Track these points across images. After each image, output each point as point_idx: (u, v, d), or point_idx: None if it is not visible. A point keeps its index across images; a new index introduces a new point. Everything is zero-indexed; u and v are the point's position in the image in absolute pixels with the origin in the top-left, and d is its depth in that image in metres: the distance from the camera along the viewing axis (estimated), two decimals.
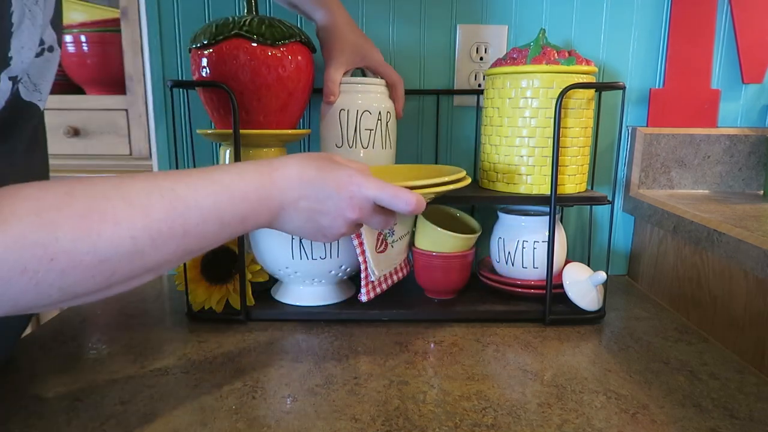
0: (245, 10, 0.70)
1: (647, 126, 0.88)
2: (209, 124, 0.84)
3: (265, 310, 0.72)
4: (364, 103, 0.73)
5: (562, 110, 0.67)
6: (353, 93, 0.73)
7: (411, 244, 0.75)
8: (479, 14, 0.84)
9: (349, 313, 0.71)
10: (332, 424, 0.48)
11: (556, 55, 0.69)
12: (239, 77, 0.67)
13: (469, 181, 0.63)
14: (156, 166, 0.88)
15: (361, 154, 0.74)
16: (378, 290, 0.70)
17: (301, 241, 0.68)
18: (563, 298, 0.71)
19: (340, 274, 0.72)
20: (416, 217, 0.73)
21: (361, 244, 0.65)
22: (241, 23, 0.66)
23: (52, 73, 0.51)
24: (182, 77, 0.84)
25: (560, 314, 0.71)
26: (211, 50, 0.67)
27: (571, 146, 0.69)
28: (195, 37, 0.69)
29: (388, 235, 0.69)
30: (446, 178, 0.59)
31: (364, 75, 0.78)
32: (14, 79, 0.43)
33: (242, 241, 0.68)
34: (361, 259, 0.66)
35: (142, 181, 0.40)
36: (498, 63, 0.73)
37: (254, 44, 0.66)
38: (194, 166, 0.53)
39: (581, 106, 0.69)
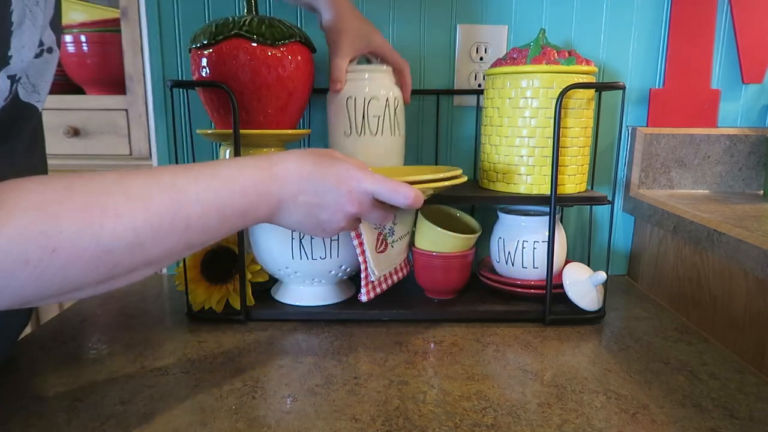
0: (245, 10, 0.71)
1: (647, 126, 0.88)
2: (209, 124, 0.84)
3: (265, 310, 0.72)
4: (371, 90, 0.73)
5: (562, 110, 0.67)
6: (360, 80, 0.73)
7: (411, 244, 0.75)
8: (479, 14, 0.84)
9: (349, 313, 0.71)
10: (332, 424, 0.48)
11: (556, 55, 0.69)
12: (239, 77, 0.67)
13: (465, 179, 0.64)
14: (156, 166, 0.88)
15: (370, 141, 0.73)
16: (378, 290, 0.70)
17: (301, 241, 0.68)
18: (563, 298, 0.71)
19: (340, 274, 0.72)
20: (416, 217, 0.74)
21: (361, 244, 0.65)
22: (241, 23, 0.66)
23: (51, 74, 0.51)
24: (182, 77, 0.84)
25: (560, 314, 0.71)
26: (211, 50, 0.67)
27: (571, 146, 0.69)
28: (195, 37, 0.69)
29: (388, 235, 0.69)
30: (441, 175, 0.60)
31: (369, 63, 0.78)
32: (13, 78, 0.44)
33: (242, 240, 0.68)
34: (361, 259, 0.66)
35: (142, 176, 0.40)
36: (498, 63, 0.73)
37: (254, 44, 0.66)
38: None
39: (581, 106, 0.69)
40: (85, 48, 1.16)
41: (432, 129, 0.87)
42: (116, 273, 0.38)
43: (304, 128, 0.83)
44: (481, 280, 0.79)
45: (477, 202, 0.83)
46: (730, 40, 0.86)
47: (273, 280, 0.77)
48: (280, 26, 0.68)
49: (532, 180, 0.71)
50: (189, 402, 0.52)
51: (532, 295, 0.74)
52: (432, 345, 0.65)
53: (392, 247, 0.70)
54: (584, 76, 0.68)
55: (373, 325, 0.70)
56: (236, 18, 0.67)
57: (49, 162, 0.61)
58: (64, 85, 1.22)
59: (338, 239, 0.68)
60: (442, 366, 0.59)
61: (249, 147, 0.71)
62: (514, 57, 0.71)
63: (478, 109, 0.86)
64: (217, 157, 0.87)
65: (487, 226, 0.79)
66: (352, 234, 0.64)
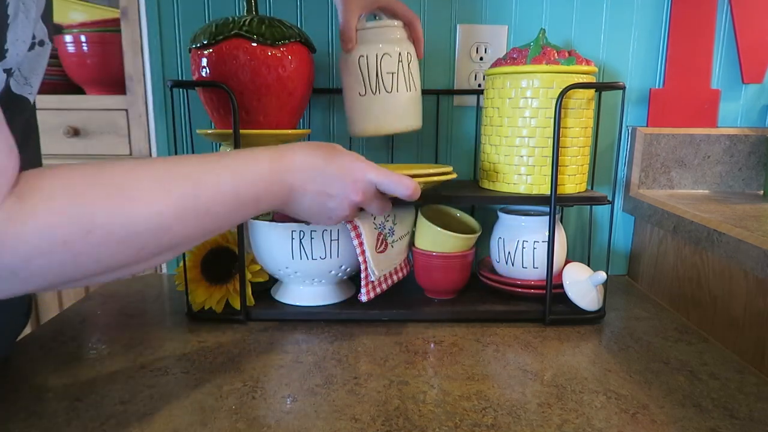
0: (245, 10, 0.70)
1: (647, 126, 0.88)
2: (209, 124, 0.84)
3: (265, 310, 0.72)
4: (384, 46, 0.71)
5: (562, 110, 0.67)
6: (370, 38, 0.71)
7: (411, 244, 0.75)
8: (479, 14, 0.84)
9: (349, 313, 0.71)
10: (332, 424, 0.48)
11: (556, 55, 0.69)
12: (239, 77, 0.67)
13: (455, 175, 0.67)
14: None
15: (386, 99, 0.72)
16: (378, 290, 0.70)
17: (301, 241, 0.68)
18: (563, 298, 0.71)
19: (340, 274, 0.72)
20: (416, 217, 0.74)
21: (361, 244, 0.65)
22: (241, 23, 0.66)
23: (43, 67, 0.52)
24: (182, 77, 0.84)
25: (560, 314, 0.71)
26: (211, 50, 0.67)
27: (571, 146, 0.69)
28: (195, 37, 0.69)
29: (388, 235, 0.69)
30: (433, 170, 0.64)
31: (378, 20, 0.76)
32: (8, 72, 0.44)
33: (242, 240, 0.68)
34: (361, 259, 0.66)
35: (162, 163, 0.43)
36: (498, 63, 0.73)
37: (254, 44, 0.66)
38: None
39: (581, 106, 0.69)
40: (85, 48, 1.16)
41: (432, 129, 0.87)
42: (142, 256, 0.41)
43: (304, 128, 0.83)
44: (481, 280, 0.79)
45: (477, 202, 0.83)
46: (730, 40, 0.86)
47: (273, 280, 0.76)
48: (280, 26, 0.68)
49: (532, 180, 0.71)
50: (189, 402, 0.52)
51: (532, 295, 0.74)
52: (432, 345, 0.65)
53: (392, 247, 0.70)
54: (584, 76, 0.68)
55: (373, 325, 0.70)
56: (236, 18, 0.67)
57: (49, 162, 0.60)
58: (64, 85, 1.22)
59: (338, 239, 0.68)
60: (442, 366, 0.59)
61: (249, 147, 0.70)
62: (514, 57, 0.71)
63: (478, 109, 0.86)
64: None
65: (487, 226, 0.79)
66: (352, 234, 0.64)
